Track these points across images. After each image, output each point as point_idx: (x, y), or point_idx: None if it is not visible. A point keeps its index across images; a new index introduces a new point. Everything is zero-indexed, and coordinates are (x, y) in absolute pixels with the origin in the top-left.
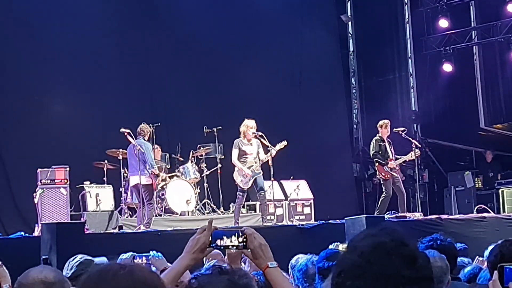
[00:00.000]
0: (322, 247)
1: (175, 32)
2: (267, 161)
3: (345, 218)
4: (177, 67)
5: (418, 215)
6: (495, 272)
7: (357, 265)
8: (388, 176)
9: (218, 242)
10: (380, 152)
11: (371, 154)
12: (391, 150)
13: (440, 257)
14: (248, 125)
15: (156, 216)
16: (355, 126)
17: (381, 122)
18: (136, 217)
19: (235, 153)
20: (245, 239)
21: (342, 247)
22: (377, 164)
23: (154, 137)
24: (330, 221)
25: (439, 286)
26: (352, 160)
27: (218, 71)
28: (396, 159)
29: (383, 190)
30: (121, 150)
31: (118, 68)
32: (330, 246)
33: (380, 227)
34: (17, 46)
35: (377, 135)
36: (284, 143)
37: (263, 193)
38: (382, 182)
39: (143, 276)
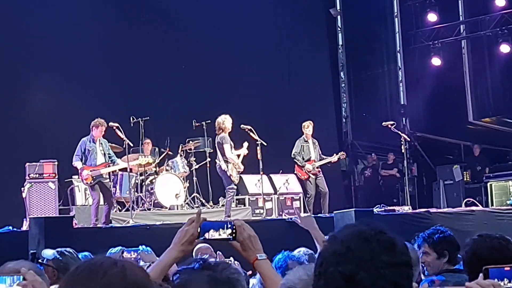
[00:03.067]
0: (312, 241)
1: (164, 26)
2: (256, 155)
3: (334, 212)
4: (166, 60)
5: (407, 209)
6: (480, 274)
7: (338, 253)
8: (306, 176)
9: (207, 234)
10: (302, 153)
11: (291, 154)
12: (315, 151)
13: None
14: (230, 121)
15: (145, 210)
16: (344, 120)
17: (304, 123)
18: (125, 211)
19: (227, 147)
20: (234, 231)
21: None
22: (295, 165)
23: (143, 130)
24: (319, 215)
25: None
26: None
27: (207, 64)
28: (321, 159)
29: (306, 190)
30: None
31: (106, 62)
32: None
33: (358, 220)
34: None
35: (302, 136)
36: (246, 145)
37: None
38: (304, 183)
39: (135, 276)
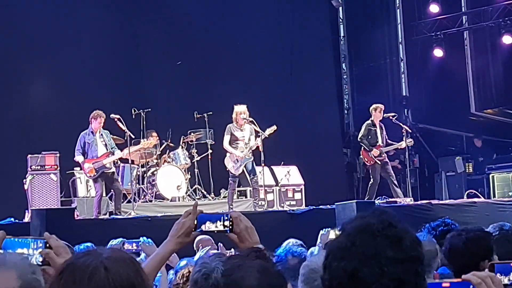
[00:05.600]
0: (313, 233)
1: (165, 17)
2: (257, 146)
3: (336, 204)
4: (167, 52)
5: (408, 200)
6: (486, 270)
7: (343, 247)
8: (372, 161)
9: (204, 226)
10: (369, 137)
11: (358, 138)
12: (381, 136)
13: (430, 241)
14: (237, 111)
15: (146, 201)
16: (345, 112)
17: (374, 106)
18: (127, 202)
19: (226, 138)
20: (231, 223)
21: (333, 232)
22: (362, 149)
23: (145, 122)
24: (321, 207)
25: (427, 269)
26: (343, 145)
27: (208, 56)
28: (388, 144)
29: (370, 176)
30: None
31: (107, 54)
32: (321, 232)
33: (372, 209)
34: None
35: (370, 119)
36: (274, 127)
37: (255, 178)
38: (368, 168)
39: (120, 276)
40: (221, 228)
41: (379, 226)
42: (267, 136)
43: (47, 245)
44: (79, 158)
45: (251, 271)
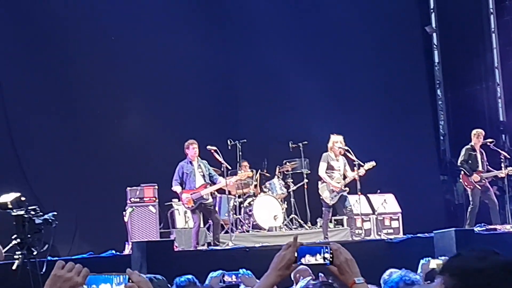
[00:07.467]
0: (412, 262)
1: (259, 48)
2: (354, 178)
3: (434, 232)
4: (261, 82)
5: (508, 227)
6: None
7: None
8: (472, 186)
9: (304, 259)
10: (469, 162)
11: (458, 162)
12: (482, 161)
13: None
14: (334, 140)
15: (244, 232)
16: (441, 138)
17: (474, 131)
18: (224, 233)
19: (323, 166)
20: (331, 255)
21: (435, 263)
22: (462, 173)
23: (240, 153)
24: (419, 235)
25: None
26: (440, 172)
27: (303, 86)
28: (489, 171)
29: (470, 200)
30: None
31: (202, 84)
32: (422, 261)
33: (476, 247)
34: (94, 70)
35: (470, 144)
36: (373, 163)
37: (349, 208)
38: (469, 193)
39: None
40: (321, 261)
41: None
42: (366, 170)
43: (130, 280)
44: (176, 188)
45: None
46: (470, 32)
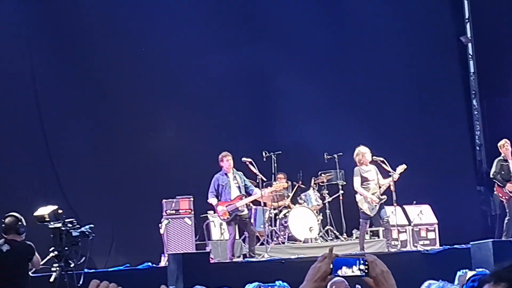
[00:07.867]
0: (449, 273)
1: (294, 57)
2: (389, 186)
3: (471, 243)
4: (296, 93)
5: None
6: None
7: None
8: (507, 196)
9: (340, 271)
10: (502, 172)
11: (490, 174)
12: None
13: None
14: (363, 152)
15: (279, 244)
16: (478, 148)
17: (500, 142)
18: (260, 245)
19: (357, 180)
20: (366, 267)
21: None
22: (495, 185)
23: (275, 165)
24: (455, 246)
25: None
26: (476, 182)
27: (338, 96)
28: None
29: (506, 212)
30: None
31: (236, 96)
32: (459, 273)
33: None
34: (129, 83)
35: (501, 155)
36: (404, 166)
37: (387, 218)
38: (505, 204)
39: None
40: (357, 272)
41: None
42: (398, 175)
43: None
44: (212, 200)
45: None
46: (505, 41)
